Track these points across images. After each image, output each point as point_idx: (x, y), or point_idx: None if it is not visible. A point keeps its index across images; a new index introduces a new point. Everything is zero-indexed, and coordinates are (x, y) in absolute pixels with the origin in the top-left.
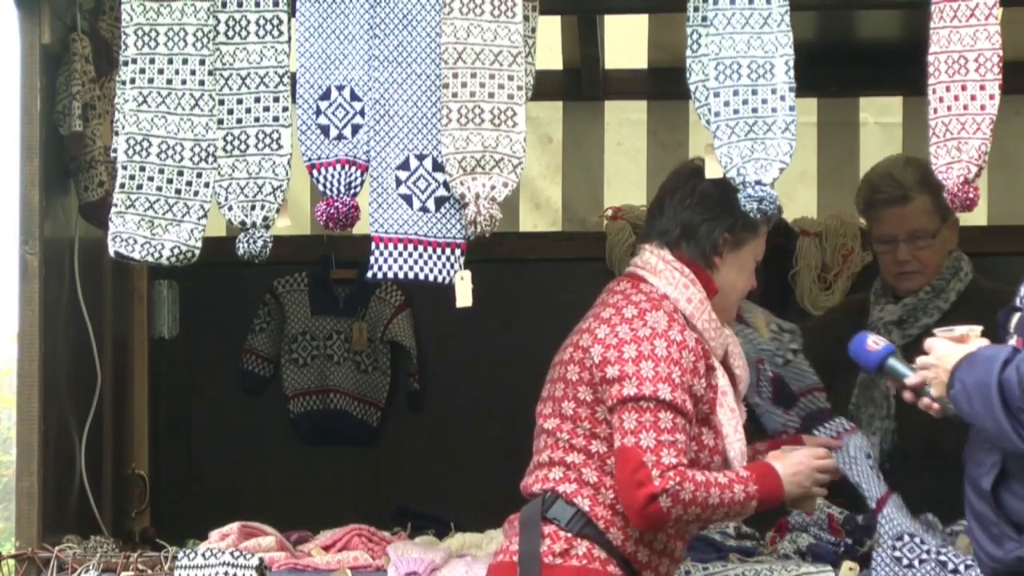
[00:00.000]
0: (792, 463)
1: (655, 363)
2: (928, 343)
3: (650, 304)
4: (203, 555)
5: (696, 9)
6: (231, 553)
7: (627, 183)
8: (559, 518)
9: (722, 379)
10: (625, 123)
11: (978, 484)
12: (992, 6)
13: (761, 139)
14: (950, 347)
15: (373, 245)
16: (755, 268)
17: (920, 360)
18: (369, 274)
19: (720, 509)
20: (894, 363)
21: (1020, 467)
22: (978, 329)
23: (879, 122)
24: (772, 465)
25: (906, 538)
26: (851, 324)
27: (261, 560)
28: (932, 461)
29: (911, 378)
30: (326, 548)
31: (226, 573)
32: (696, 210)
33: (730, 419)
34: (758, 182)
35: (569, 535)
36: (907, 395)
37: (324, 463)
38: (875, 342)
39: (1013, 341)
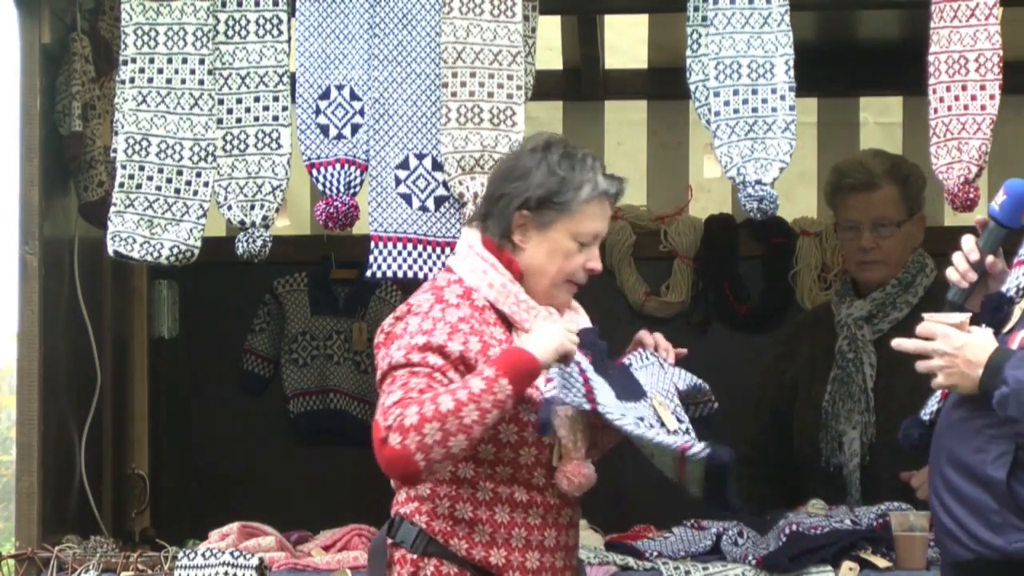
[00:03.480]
0: (537, 331)
1: (401, 338)
2: (930, 328)
3: (431, 291)
4: (203, 555)
5: (696, 9)
6: (231, 553)
7: (627, 183)
8: (404, 540)
9: None
10: (625, 123)
11: (978, 471)
12: (992, 6)
13: (761, 139)
14: (968, 337)
15: (372, 244)
16: (593, 250)
17: (920, 345)
18: (368, 273)
19: (463, 409)
20: (990, 234)
21: None
22: (968, 315)
23: (879, 122)
24: (515, 345)
25: None
26: (820, 327)
27: (261, 560)
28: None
29: (919, 364)
30: (326, 548)
31: (226, 573)
32: (497, 184)
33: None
34: (758, 182)
35: (414, 556)
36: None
37: (324, 463)
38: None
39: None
